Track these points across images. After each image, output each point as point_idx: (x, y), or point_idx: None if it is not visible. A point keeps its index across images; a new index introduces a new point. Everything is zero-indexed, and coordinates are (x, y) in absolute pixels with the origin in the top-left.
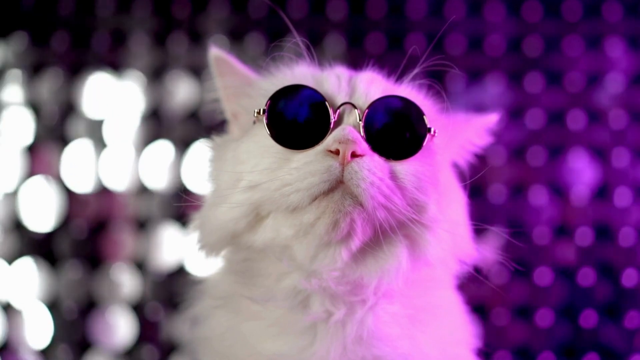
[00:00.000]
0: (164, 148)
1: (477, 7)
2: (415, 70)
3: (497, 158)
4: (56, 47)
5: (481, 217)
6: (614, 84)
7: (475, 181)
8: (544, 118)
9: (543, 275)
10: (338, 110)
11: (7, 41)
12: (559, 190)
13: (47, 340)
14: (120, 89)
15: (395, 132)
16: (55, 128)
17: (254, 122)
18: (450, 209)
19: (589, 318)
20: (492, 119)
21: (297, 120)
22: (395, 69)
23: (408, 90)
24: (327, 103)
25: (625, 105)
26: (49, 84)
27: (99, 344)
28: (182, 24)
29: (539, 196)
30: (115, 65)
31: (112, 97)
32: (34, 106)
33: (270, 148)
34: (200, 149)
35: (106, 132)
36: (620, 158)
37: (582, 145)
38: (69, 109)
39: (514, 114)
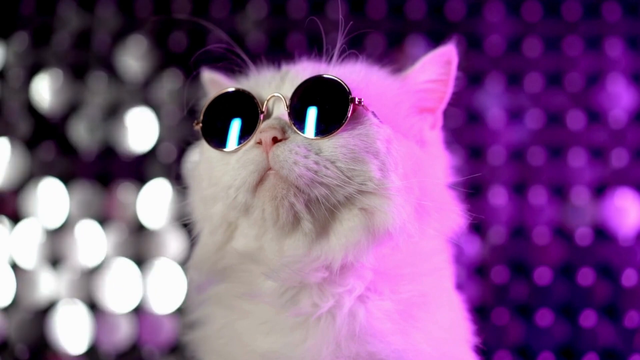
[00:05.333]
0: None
1: (477, 7)
2: (339, 44)
3: (497, 158)
4: (56, 48)
5: (481, 218)
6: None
7: (476, 181)
8: (544, 118)
9: (543, 275)
10: (266, 104)
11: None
12: (559, 190)
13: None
14: (119, 89)
15: (318, 111)
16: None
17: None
18: (410, 176)
19: (588, 318)
20: (446, 49)
21: (229, 122)
22: (395, 69)
23: (337, 67)
24: (255, 99)
25: (625, 105)
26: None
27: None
28: (184, 24)
29: (539, 196)
30: (114, 65)
31: (112, 97)
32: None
33: (215, 157)
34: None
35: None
36: (620, 158)
37: (582, 145)
38: (71, 109)
39: (514, 114)
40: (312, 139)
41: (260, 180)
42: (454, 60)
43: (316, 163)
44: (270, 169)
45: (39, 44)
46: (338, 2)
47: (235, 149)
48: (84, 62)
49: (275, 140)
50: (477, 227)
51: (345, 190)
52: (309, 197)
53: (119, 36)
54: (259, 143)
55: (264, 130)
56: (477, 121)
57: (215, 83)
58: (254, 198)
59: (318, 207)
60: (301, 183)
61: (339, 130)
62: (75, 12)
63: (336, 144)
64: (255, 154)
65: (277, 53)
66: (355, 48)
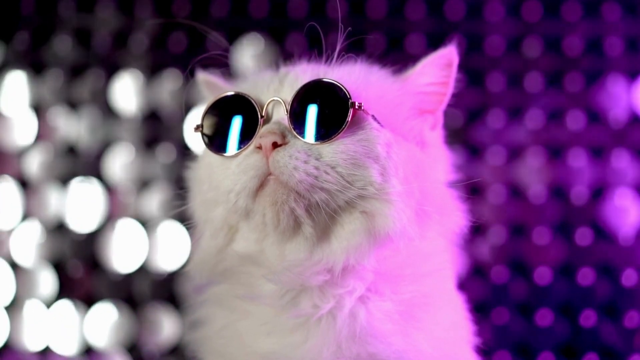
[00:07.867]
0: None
1: (477, 7)
2: (339, 47)
3: (497, 158)
4: (56, 48)
5: (481, 216)
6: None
7: (476, 181)
8: (544, 118)
9: (543, 275)
10: (266, 108)
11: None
12: (559, 190)
13: None
14: (120, 89)
15: (317, 116)
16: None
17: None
18: (410, 179)
19: (588, 317)
20: (446, 51)
21: (228, 126)
22: (395, 69)
23: (337, 69)
24: (254, 103)
25: (625, 105)
26: (51, 84)
27: None
28: (182, 24)
29: (539, 196)
30: (115, 65)
31: (111, 96)
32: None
33: (215, 162)
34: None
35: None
36: (620, 158)
37: (582, 145)
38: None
39: (514, 114)
40: (312, 144)
41: (261, 186)
42: (455, 62)
43: (316, 168)
44: (270, 174)
45: (39, 44)
46: (337, 2)
47: (235, 153)
48: (84, 62)
49: (275, 145)
50: (477, 227)
51: (346, 195)
52: (310, 202)
53: (119, 36)
54: (259, 148)
55: (264, 135)
56: (477, 121)
57: (211, 85)
58: (254, 203)
59: (318, 212)
60: (301, 188)
61: (339, 135)
62: (75, 12)
63: (336, 149)
64: (256, 159)
65: (277, 53)
66: (355, 48)
